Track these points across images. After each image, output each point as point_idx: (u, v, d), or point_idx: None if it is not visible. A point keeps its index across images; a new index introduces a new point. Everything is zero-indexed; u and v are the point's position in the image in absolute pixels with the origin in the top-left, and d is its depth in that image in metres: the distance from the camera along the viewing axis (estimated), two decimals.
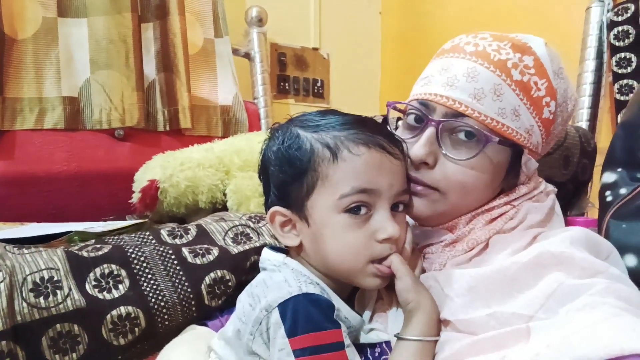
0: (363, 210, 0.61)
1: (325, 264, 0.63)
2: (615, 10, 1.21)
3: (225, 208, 1.15)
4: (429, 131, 0.64)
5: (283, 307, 0.57)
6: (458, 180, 0.64)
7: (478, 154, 0.63)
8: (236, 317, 0.63)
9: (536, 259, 0.57)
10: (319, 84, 2.00)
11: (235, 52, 1.65)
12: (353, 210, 0.60)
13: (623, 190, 0.74)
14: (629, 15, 1.18)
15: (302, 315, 0.56)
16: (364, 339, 0.63)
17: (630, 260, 0.66)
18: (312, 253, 0.64)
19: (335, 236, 0.61)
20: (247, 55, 1.69)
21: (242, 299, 0.63)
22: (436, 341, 0.60)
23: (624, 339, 0.46)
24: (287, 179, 0.63)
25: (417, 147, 0.64)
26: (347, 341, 0.57)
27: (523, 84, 0.63)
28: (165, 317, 0.78)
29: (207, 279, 0.81)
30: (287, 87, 1.93)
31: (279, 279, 0.61)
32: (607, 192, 0.76)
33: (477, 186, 0.65)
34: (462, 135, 0.64)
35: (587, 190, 1.14)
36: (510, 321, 0.55)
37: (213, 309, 0.81)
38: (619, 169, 0.77)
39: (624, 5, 1.20)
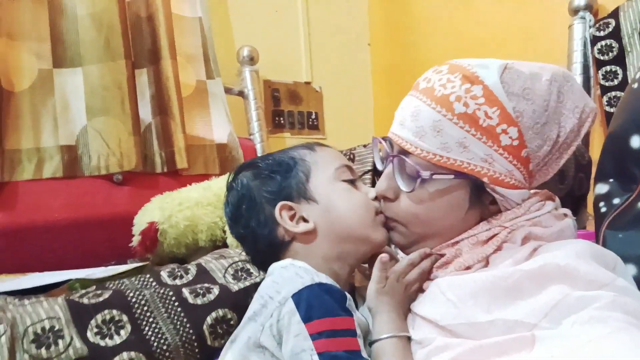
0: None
1: (343, 229, 0.68)
2: (597, 25, 1.24)
3: (225, 245, 1.15)
4: (389, 167, 0.69)
5: (297, 296, 0.59)
6: (410, 212, 0.68)
7: (415, 188, 0.66)
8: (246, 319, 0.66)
9: (541, 269, 0.57)
10: (313, 117, 2.02)
11: (229, 90, 1.67)
12: (347, 180, 0.71)
13: (616, 201, 0.74)
14: (610, 29, 1.20)
15: (316, 302, 0.58)
16: None
17: (630, 269, 0.65)
18: (326, 230, 0.68)
19: (344, 198, 0.69)
20: (241, 93, 1.72)
21: (253, 306, 0.66)
22: (408, 338, 0.62)
23: (631, 354, 0.46)
24: (279, 176, 0.70)
25: (379, 182, 0.71)
26: (358, 331, 0.59)
27: (468, 115, 0.64)
28: None
29: (209, 319, 0.81)
30: (282, 122, 1.95)
31: (290, 274, 0.64)
32: (601, 203, 0.77)
33: (431, 217, 0.67)
34: (409, 171, 0.67)
35: (586, 204, 1.13)
36: (513, 328, 0.55)
37: (216, 349, 0.80)
38: (611, 180, 0.77)
39: (605, 21, 1.22)
